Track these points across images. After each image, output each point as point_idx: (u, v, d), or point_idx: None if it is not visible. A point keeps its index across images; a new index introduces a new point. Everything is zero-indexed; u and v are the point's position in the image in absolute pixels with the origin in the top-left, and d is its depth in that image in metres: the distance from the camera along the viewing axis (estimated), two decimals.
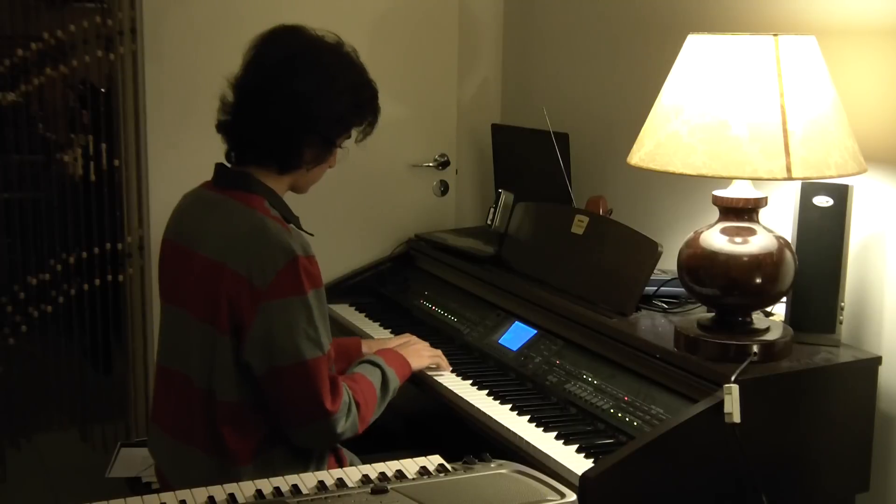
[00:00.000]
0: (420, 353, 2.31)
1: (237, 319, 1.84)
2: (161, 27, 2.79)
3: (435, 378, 2.31)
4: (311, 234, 1.96)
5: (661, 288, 2.33)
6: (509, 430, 2.04)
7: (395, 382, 2.12)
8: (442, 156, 3.22)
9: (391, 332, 2.65)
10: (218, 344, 1.86)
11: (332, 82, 1.92)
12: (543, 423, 2.05)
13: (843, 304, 2.06)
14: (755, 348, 1.92)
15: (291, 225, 1.94)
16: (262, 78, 1.92)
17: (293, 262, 1.82)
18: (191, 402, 1.92)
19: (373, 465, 1.57)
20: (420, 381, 2.33)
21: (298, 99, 1.89)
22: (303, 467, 1.92)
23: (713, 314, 2.04)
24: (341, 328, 2.78)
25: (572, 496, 1.44)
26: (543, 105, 2.84)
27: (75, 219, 3.08)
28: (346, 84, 1.95)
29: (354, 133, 2.03)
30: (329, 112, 1.93)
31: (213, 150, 2.03)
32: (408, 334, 2.53)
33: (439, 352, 2.37)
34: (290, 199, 2.02)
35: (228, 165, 2.00)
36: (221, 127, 1.98)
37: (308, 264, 1.85)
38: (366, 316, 2.85)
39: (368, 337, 2.62)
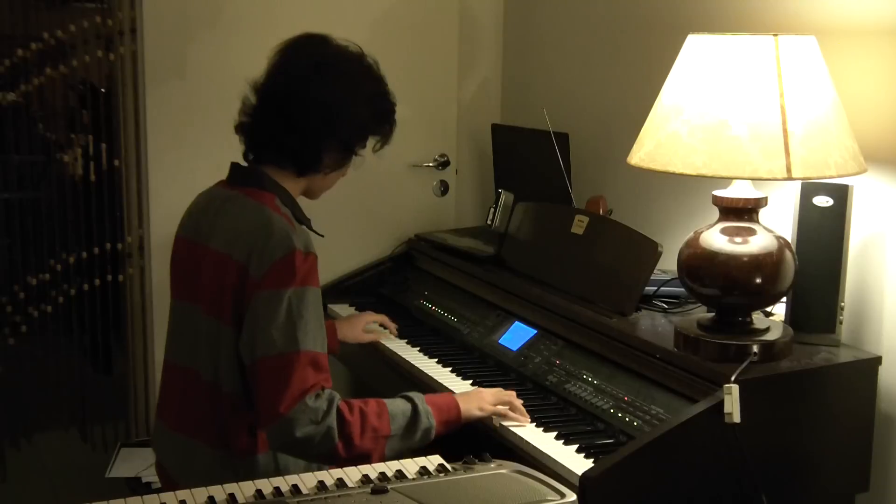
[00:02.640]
0: (482, 400, 2.07)
1: (240, 310, 1.86)
2: (161, 27, 2.79)
3: (434, 378, 2.31)
4: (322, 236, 1.98)
5: (661, 288, 2.33)
6: (509, 429, 2.04)
7: (427, 423, 1.94)
8: (442, 156, 3.22)
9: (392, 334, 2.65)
10: (223, 335, 1.88)
11: (356, 91, 1.97)
12: (543, 423, 2.05)
13: (843, 304, 2.06)
14: (755, 348, 1.92)
15: (303, 226, 1.96)
16: (288, 84, 1.95)
17: (290, 255, 1.84)
18: (198, 396, 1.94)
19: (373, 465, 1.57)
20: (418, 381, 2.33)
21: (323, 105, 1.93)
22: (306, 463, 1.93)
23: (713, 314, 2.04)
24: None
25: (572, 496, 1.44)
26: (543, 105, 2.84)
27: (75, 219, 3.08)
28: (368, 94, 2.00)
29: (371, 142, 2.07)
30: (351, 119, 1.97)
31: (214, 150, 2.04)
32: (370, 312, 2.61)
33: (511, 395, 2.10)
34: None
35: (243, 164, 2.03)
36: (242, 128, 2.01)
37: (304, 260, 1.85)
38: None
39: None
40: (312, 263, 1.88)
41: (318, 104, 1.93)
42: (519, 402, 2.08)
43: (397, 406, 1.94)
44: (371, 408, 1.89)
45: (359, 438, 1.85)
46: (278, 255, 1.83)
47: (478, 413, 2.04)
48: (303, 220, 1.99)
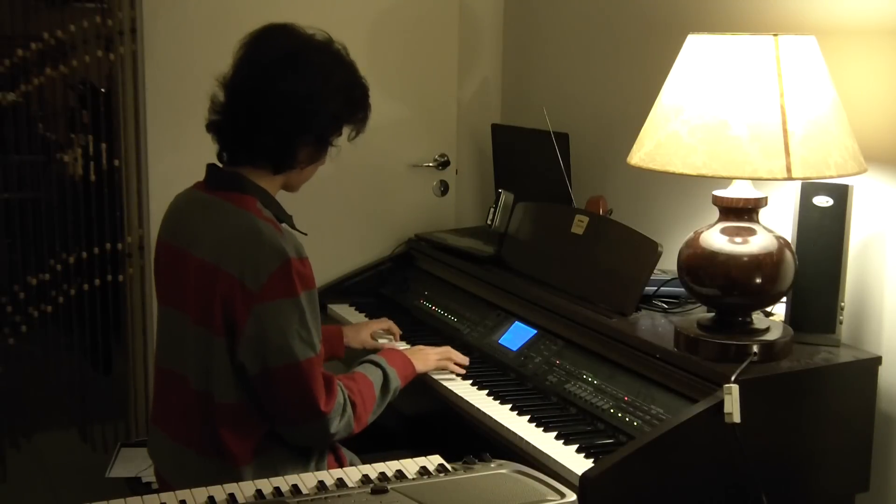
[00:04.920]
0: (427, 356, 2.30)
1: (231, 321, 1.83)
2: (161, 27, 2.79)
3: (435, 378, 2.31)
4: (304, 234, 1.96)
5: (661, 288, 2.33)
6: (509, 430, 2.04)
7: (395, 383, 2.11)
8: (442, 156, 3.22)
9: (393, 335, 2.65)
10: (214, 346, 1.86)
11: (326, 82, 1.91)
12: (543, 423, 2.05)
13: (843, 304, 2.06)
14: (755, 348, 1.92)
15: (284, 225, 1.93)
16: (255, 78, 1.91)
17: (286, 264, 1.82)
18: (189, 403, 1.92)
19: (373, 465, 1.57)
20: (420, 381, 2.33)
21: (293, 99, 1.89)
22: (303, 467, 1.92)
23: (713, 314, 2.04)
24: None
25: (572, 496, 1.44)
26: (543, 105, 2.84)
27: (75, 219, 3.08)
28: (339, 83, 1.94)
29: (346, 131, 2.01)
30: (323, 112, 1.92)
31: (213, 151, 2.03)
32: (385, 319, 2.61)
33: (448, 351, 2.36)
34: (289, 197, 2.03)
35: (220, 165, 1.99)
36: (212, 126, 1.97)
37: (300, 266, 1.84)
38: (366, 316, 2.84)
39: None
40: (307, 266, 1.87)
41: (289, 99, 1.88)
42: (457, 355, 2.36)
43: (374, 374, 2.08)
44: (362, 383, 2.03)
45: (364, 416, 1.99)
46: (274, 265, 1.81)
47: (423, 368, 2.28)
48: (284, 218, 1.96)
